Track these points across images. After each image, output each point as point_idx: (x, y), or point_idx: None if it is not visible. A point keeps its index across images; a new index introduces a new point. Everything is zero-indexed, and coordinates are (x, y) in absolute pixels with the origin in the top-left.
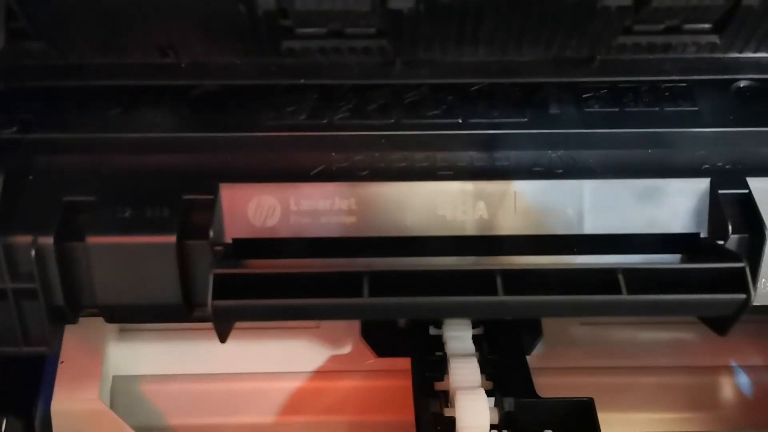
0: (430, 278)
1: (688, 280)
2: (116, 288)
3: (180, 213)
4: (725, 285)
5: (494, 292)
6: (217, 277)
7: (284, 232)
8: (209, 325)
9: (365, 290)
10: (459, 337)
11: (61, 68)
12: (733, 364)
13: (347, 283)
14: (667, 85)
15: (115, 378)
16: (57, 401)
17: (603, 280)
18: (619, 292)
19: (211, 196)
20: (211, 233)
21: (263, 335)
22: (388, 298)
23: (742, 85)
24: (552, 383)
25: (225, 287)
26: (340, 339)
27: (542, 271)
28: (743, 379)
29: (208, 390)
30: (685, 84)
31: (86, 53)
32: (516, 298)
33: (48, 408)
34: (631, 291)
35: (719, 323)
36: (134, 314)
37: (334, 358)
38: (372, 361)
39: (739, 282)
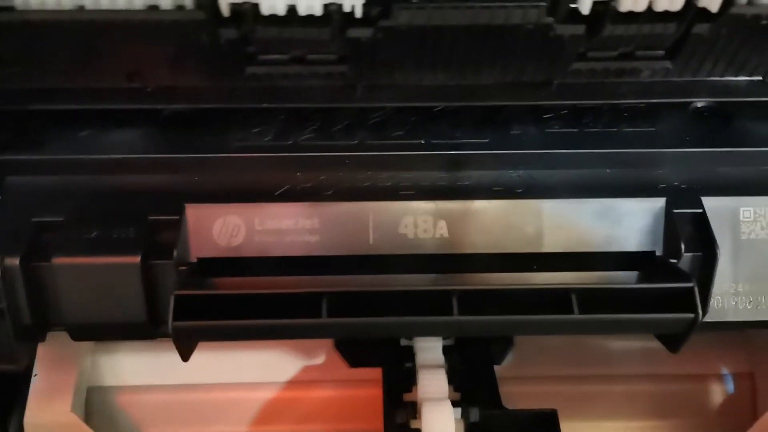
0: (387, 298)
1: (639, 300)
2: (83, 307)
3: (145, 233)
4: (674, 304)
5: (450, 312)
6: (177, 297)
7: (249, 252)
8: None
9: (324, 311)
10: (429, 347)
11: (32, 92)
12: (701, 372)
13: (306, 304)
14: (627, 105)
15: (90, 389)
16: (30, 414)
17: (556, 299)
18: (572, 312)
19: (177, 217)
20: (176, 253)
21: (238, 346)
22: (345, 318)
23: (699, 106)
24: (523, 392)
25: (186, 308)
26: (313, 349)
27: (496, 292)
28: (711, 388)
29: (184, 400)
30: (643, 105)
31: (55, 79)
32: (470, 318)
33: (21, 421)
34: (583, 311)
35: (671, 340)
36: (101, 332)
37: (307, 369)
38: (345, 371)
39: (688, 301)
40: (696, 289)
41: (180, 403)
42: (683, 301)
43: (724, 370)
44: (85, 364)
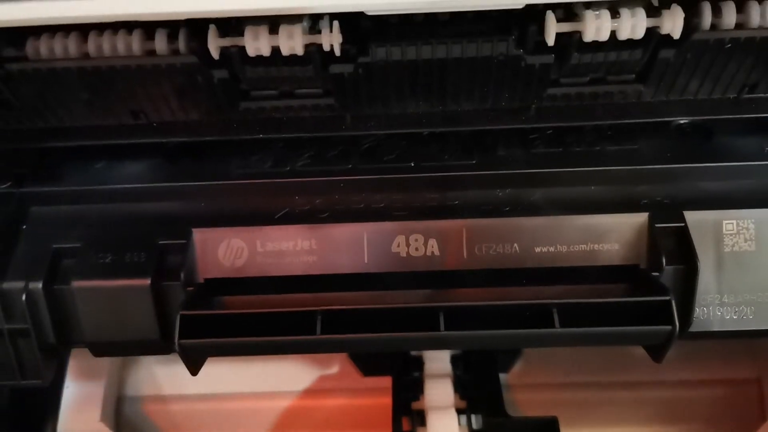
0: (377, 315)
1: (618, 313)
2: (101, 326)
3: (155, 257)
4: (653, 317)
5: (437, 328)
6: (183, 317)
7: (251, 272)
8: None
9: (318, 328)
10: (437, 357)
11: (48, 131)
12: (708, 378)
13: (301, 322)
14: (609, 125)
15: (119, 399)
16: (63, 424)
17: (538, 314)
18: (553, 326)
19: (184, 241)
20: (182, 275)
21: (255, 357)
22: (337, 335)
23: (680, 123)
24: (530, 399)
25: (192, 326)
26: (328, 360)
27: (480, 307)
28: (717, 393)
29: (207, 409)
30: (624, 124)
31: (66, 119)
32: (455, 333)
33: (54, 428)
34: (564, 324)
35: (655, 350)
36: (119, 349)
37: (322, 378)
38: (358, 380)
39: (666, 314)
40: (673, 302)
41: (203, 412)
42: (661, 313)
43: (730, 376)
44: (114, 375)
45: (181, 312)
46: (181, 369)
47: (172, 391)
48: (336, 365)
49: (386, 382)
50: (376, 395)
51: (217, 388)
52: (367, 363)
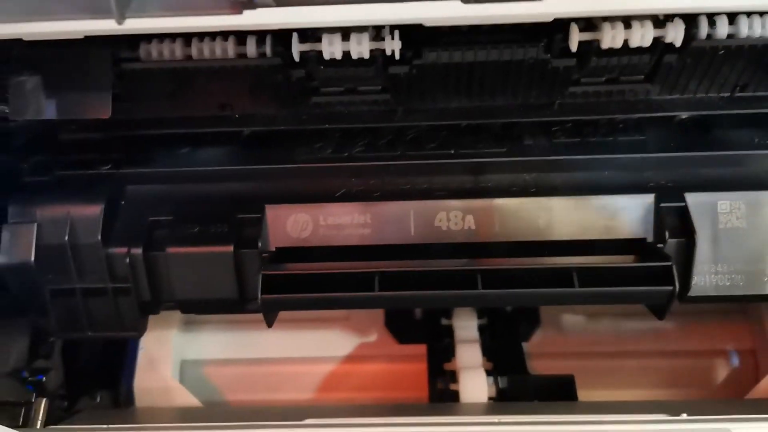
0: (426, 277)
1: (627, 276)
2: (189, 286)
3: (235, 228)
4: (656, 280)
5: (476, 287)
6: (264, 276)
7: (315, 242)
8: (258, 317)
9: (376, 286)
10: (466, 326)
11: (144, 120)
12: (707, 348)
13: (362, 281)
14: (621, 118)
15: (183, 362)
16: (138, 380)
17: (560, 276)
18: (573, 286)
19: (259, 215)
20: (259, 244)
21: (302, 326)
22: (392, 292)
23: (683, 117)
24: (547, 365)
25: (270, 285)
26: (366, 329)
27: (512, 270)
28: (715, 362)
29: (257, 372)
30: (635, 118)
31: (162, 109)
32: (492, 291)
33: (131, 385)
34: (582, 285)
35: (658, 309)
36: (202, 307)
37: (361, 345)
38: (394, 347)
39: (667, 277)
40: (674, 268)
41: (254, 374)
42: (664, 277)
43: (728, 347)
44: (178, 341)
45: (262, 272)
46: (234, 337)
47: (228, 355)
48: (374, 334)
49: (419, 349)
50: (410, 361)
51: (266, 354)
52: (402, 331)
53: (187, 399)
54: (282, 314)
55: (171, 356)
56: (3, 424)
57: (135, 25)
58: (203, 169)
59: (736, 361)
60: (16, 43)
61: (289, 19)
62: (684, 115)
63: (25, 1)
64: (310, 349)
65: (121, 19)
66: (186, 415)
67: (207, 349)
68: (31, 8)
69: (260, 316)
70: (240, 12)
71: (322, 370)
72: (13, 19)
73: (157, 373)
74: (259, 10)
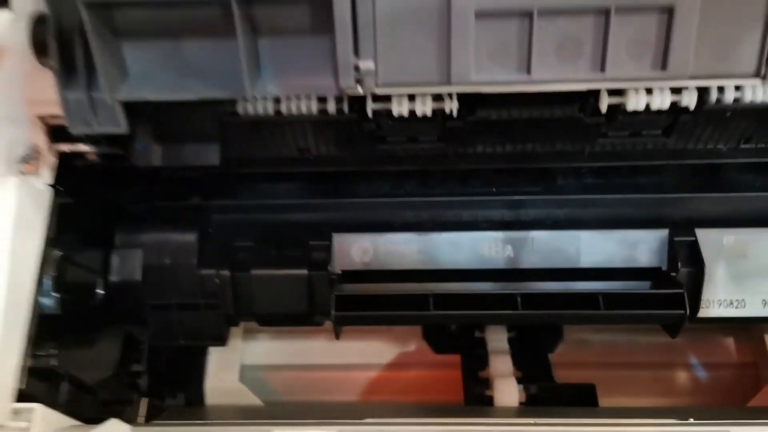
0: (472, 298)
1: (646, 301)
2: (266, 302)
3: (307, 253)
4: (670, 304)
5: (516, 308)
6: (337, 297)
7: (375, 266)
8: (308, 328)
9: (431, 306)
10: (497, 339)
11: (230, 159)
12: (714, 361)
13: (419, 301)
14: (641, 164)
15: (243, 366)
16: (209, 381)
17: (588, 300)
18: (599, 308)
19: (327, 242)
20: (329, 268)
21: (348, 337)
22: (445, 311)
23: (694, 164)
24: (569, 375)
25: (341, 303)
26: (406, 339)
27: (548, 294)
28: (721, 374)
29: (308, 376)
30: (653, 165)
31: (247, 151)
32: (530, 312)
33: (202, 386)
34: (607, 308)
35: (672, 329)
36: (278, 320)
37: (401, 354)
38: (431, 356)
39: (680, 302)
40: (685, 294)
41: (306, 378)
42: (676, 302)
43: (732, 360)
44: (240, 348)
45: (335, 293)
46: (288, 345)
47: (281, 361)
48: (413, 344)
49: (453, 359)
50: (445, 368)
51: (316, 360)
52: (438, 342)
53: (251, 399)
54: (331, 325)
55: (237, 362)
56: None
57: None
58: (280, 202)
59: (739, 372)
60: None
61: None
62: (695, 162)
63: (168, 80)
64: (356, 357)
65: (252, 94)
66: (256, 412)
67: (264, 355)
68: (173, 86)
69: (310, 327)
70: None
71: (365, 376)
72: (157, 94)
73: (224, 375)
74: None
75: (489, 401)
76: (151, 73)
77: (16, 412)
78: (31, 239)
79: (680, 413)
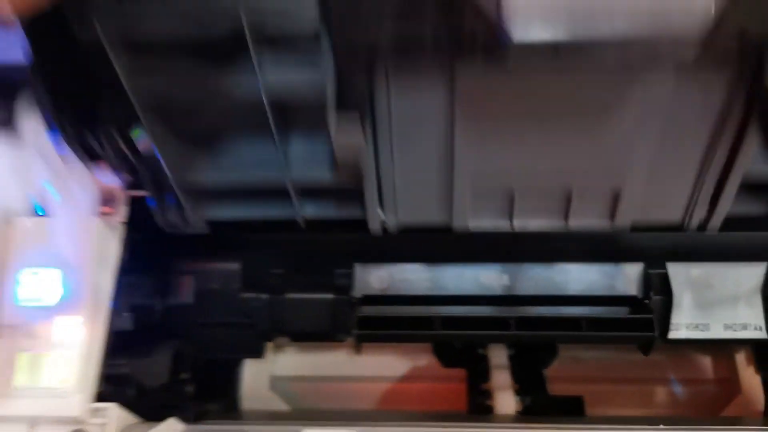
0: (473, 320)
1: (622, 324)
2: (298, 321)
3: (334, 280)
4: (641, 327)
5: (509, 329)
6: (359, 318)
7: (392, 292)
8: (333, 345)
9: (438, 326)
10: (499, 355)
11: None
12: (696, 377)
13: (428, 322)
14: None
15: (273, 377)
16: (244, 390)
17: (572, 323)
18: (581, 330)
19: (350, 270)
20: (351, 293)
21: (368, 352)
22: (450, 331)
23: None
24: (562, 388)
25: (363, 323)
26: (417, 354)
27: (538, 318)
28: (703, 389)
29: (332, 386)
30: None
31: None
32: (522, 332)
33: (236, 394)
34: (588, 330)
35: (644, 349)
36: (306, 337)
37: (413, 368)
38: (439, 370)
39: (649, 326)
40: (654, 319)
41: (329, 388)
42: (645, 326)
43: (707, 375)
44: (270, 360)
45: (358, 315)
46: (313, 358)
47: (307, 373)
48: (423, 359)
49: (460, 372)
50: (453, 381)
51: (338, 372)
52: (447, 357)
53: (280, 405)
54: (352, 342)
55: (267, 373)
56: None
57: None
58: (308, 236)
59: (715, 387)
60: None
61: None
62: None
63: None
64: (373, 370)
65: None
66: (286, 415)
67: (292, 367)
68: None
69: (333, 343)
70: None
71: (381, 387)
72: None
73: (258, 385)
74: None
75: (489, 410)
76: None
77: (95, 411)
78: (107, 268)
79: (655, 422)
